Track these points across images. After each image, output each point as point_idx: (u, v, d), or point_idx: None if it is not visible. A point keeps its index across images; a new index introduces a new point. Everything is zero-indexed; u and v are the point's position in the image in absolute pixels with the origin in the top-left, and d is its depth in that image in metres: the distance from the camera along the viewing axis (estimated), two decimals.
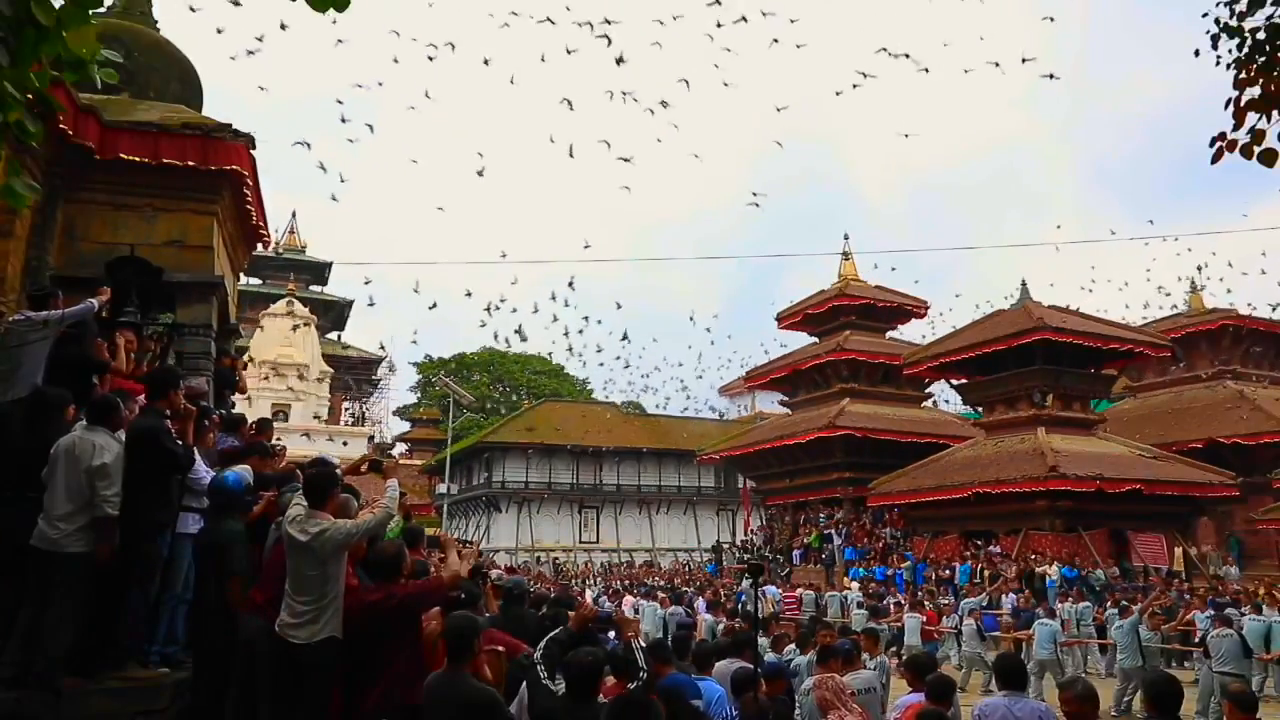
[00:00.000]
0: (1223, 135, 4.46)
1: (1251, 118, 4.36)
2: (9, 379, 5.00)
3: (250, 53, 16.80)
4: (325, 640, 3.96)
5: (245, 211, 8.53)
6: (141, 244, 7.44)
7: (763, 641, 8.23)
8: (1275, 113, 4.32)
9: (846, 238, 36.12)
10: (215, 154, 7.53)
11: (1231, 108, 4.43)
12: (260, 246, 9.94)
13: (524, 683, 4.12)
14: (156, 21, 9.04)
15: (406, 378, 62.72)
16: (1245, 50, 4.48)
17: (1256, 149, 4.32)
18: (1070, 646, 13.91)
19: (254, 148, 7.88)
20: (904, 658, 9.00)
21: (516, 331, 31.61)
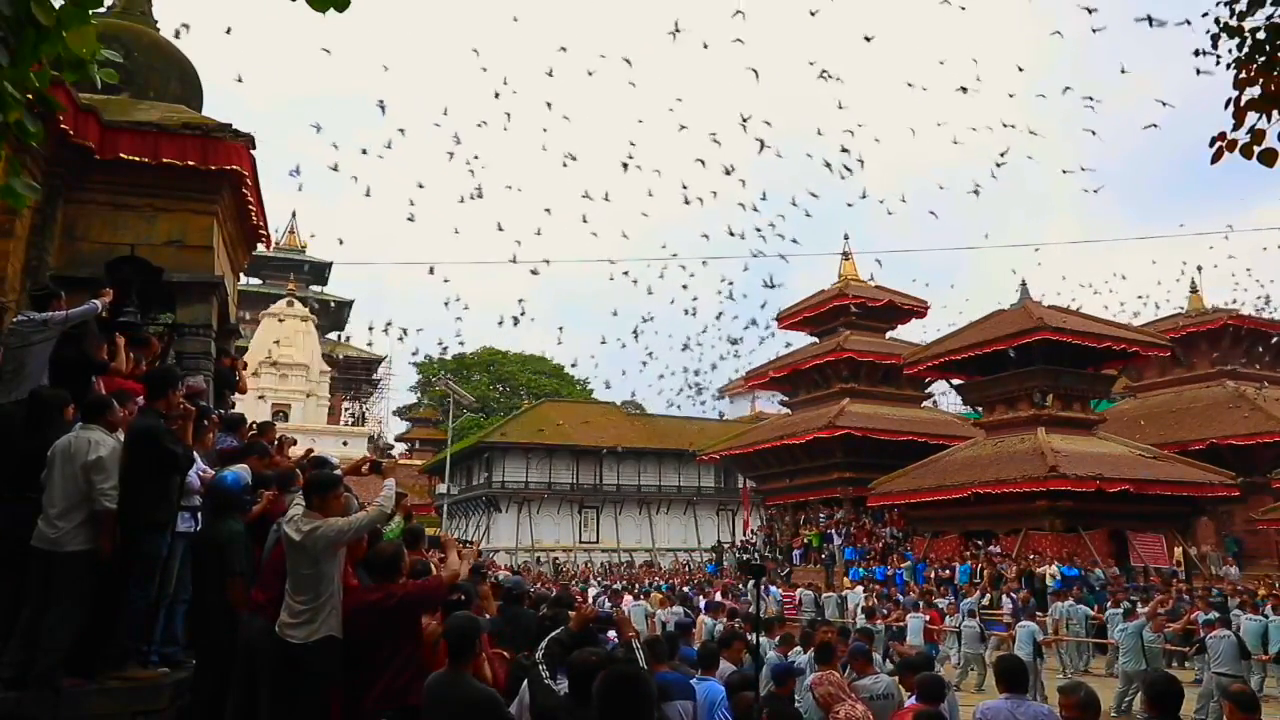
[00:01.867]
0: (1223, 135, 4.46)
1: (1251, 117, 4.35)
2: (13, 380, 5.01)
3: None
4: (323, 640, 3.97)
5: (245, 211, 8.54)
6: (141, 244, 7.45)
7: (765, 642, 8.23)
8: (1275, 112, 4.31)
9: (846, 238, 36.12)
10: (215, 154, 7.53)
11: (1231, 108, 4.43)
12: (260, 246, 9.95)
13: (524, 682, 4.12)
14: (156, 21, 9.04)
15: (407, 378, 62.80)
16: (1245, 50, 4.48)
17: (1256, 149, 4.32)
18: (1049, 646, 13.83)
19: (254, 148, 7.88)
20: (896, 660, 8.97)
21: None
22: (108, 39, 6.02)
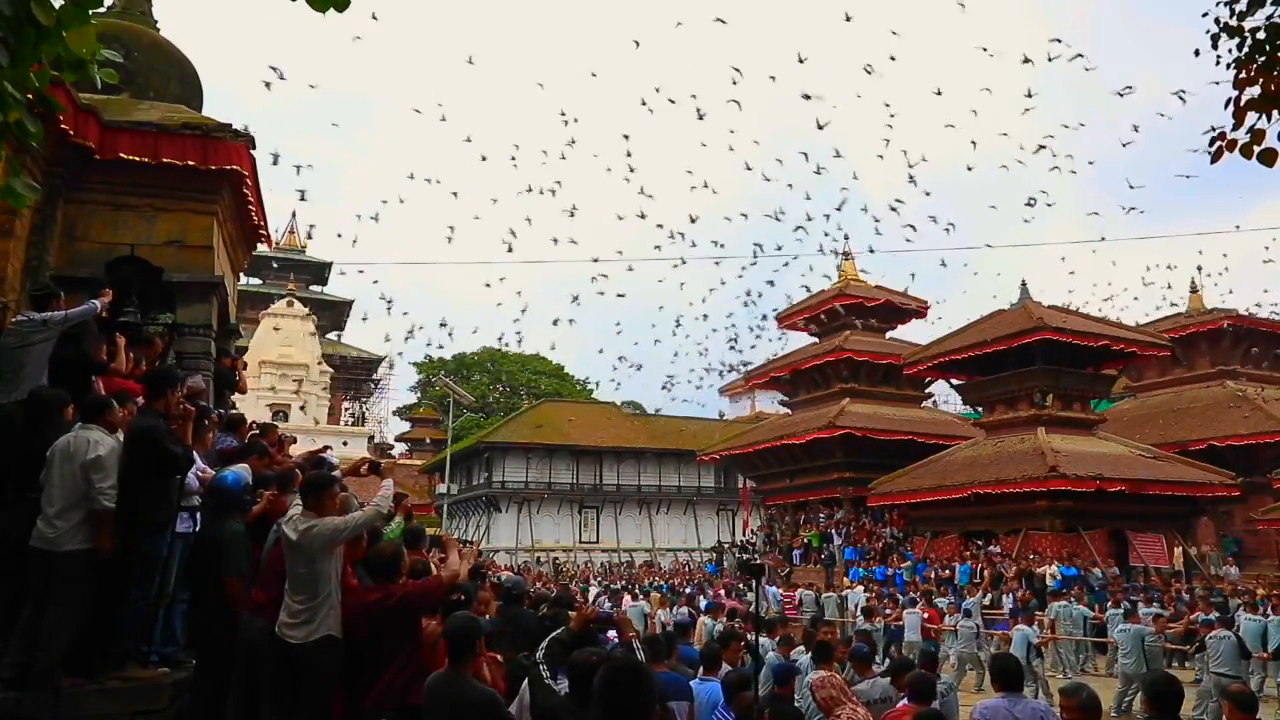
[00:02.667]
0: (1222, 135, 4.46)
1: (1251, 117, 4.35)
2: (12, 380, 5.00)
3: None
4: (321, 640, 3.97)
5: (245, 211, 8.53)
6: (141, 244, 7.44)
7: (766, 642, 8.23)
8: (1275, 112, 4.31)
9: (847, 238, 36.11)
10: (215, 154, 7.53)
11: (1231, 107, 4.43)
12: (260, 246, 9.95)
13: (525, 682, 4.12)
14: (156, 21, 9.04)
15: (406, 378, 62.88)
16: (1245, 50, 4.48)
17: (1256, 148, 4.32)
18: (1046, 645, 13.81)
19: (254, 148, 7.88)
20: (892, 659, 8.96)
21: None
22: (108, 39, 6.01)
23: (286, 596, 4.08)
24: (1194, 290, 32.44)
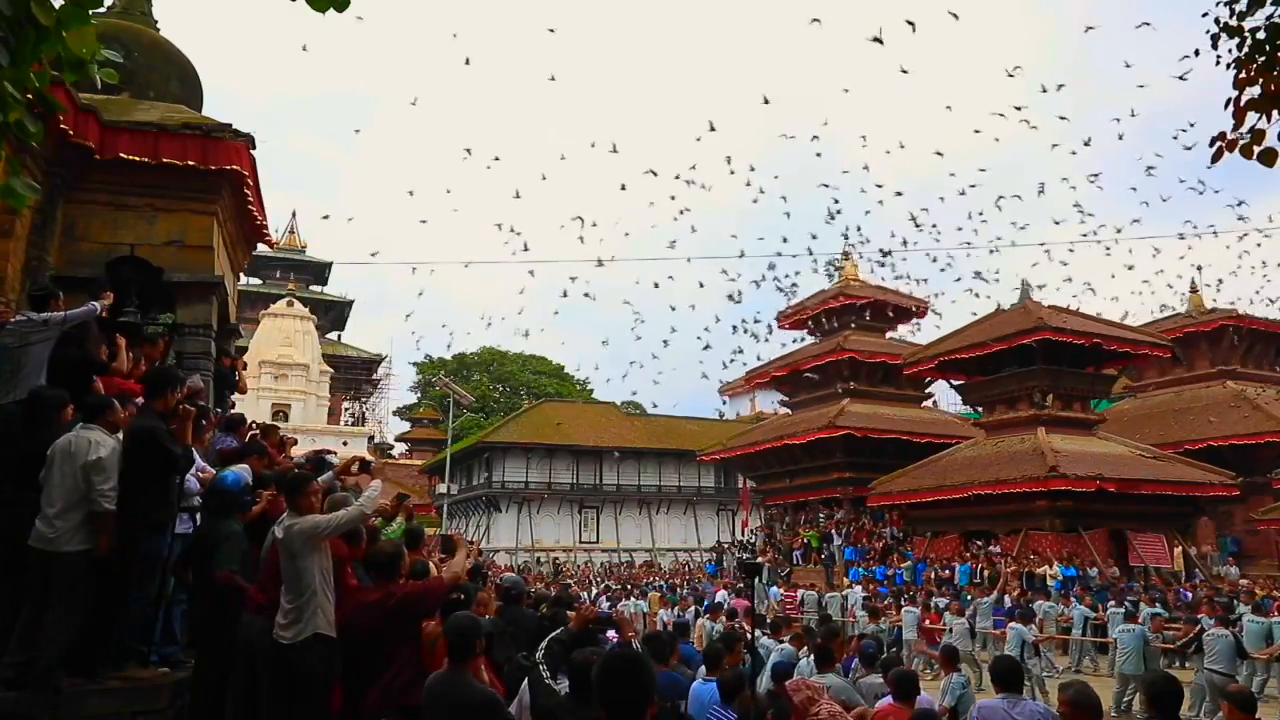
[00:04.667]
0: (1223, 135, 4.46)
1: (1251, 117, 4.35)
2: (11, 379, 5.00)
3: None
4: (311, 639, 3.97)
5: (245, 211, 8.54)
6: (141, 244, 7.45)
7: (768, 642, 8.24)
8: (1275, 112, 4.31)
9: (847, 237, 36.07)
10: (215, 154, 7.53)
11: (1231, 107, 4.42)
12: (261, 246, 9.95)
13: (524, 682, 4.12)
14: (156, 21, 9.05)
15: (406, 378, 62.97)
16: (1245, 50, 4.47)
17: (1256, 149, 4.32)
18: (1040, 645, 13.75)
19: (254, 147, 7.89)
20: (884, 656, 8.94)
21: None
22: (108, 39, 6.01)
23: (282, 597, 4.09)
24: (1194, 290, 32.43)
